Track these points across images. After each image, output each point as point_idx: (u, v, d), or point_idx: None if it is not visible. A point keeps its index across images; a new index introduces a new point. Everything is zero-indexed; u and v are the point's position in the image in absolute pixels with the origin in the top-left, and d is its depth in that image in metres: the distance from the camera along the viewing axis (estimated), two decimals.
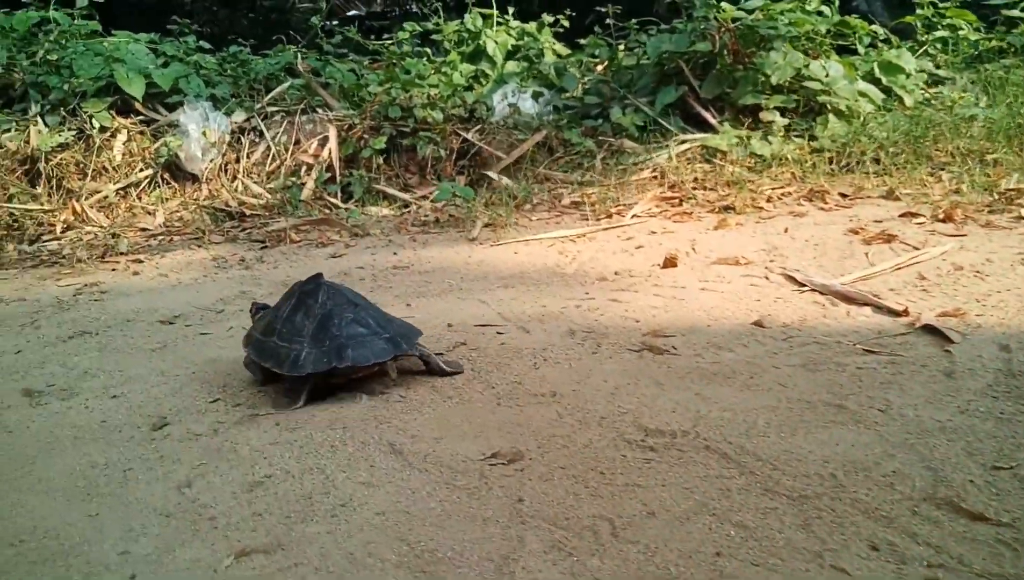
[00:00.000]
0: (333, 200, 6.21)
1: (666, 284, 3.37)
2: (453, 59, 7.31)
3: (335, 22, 12.84)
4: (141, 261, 4.80)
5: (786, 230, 3.88)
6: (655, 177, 5.20)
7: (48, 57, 7.06)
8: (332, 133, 6.49)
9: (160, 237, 5.72)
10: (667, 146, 5.63)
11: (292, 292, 2.73)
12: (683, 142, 5.63)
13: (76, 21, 7.46)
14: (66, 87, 6.92)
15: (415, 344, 2.61)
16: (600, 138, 5.96)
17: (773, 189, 4.55)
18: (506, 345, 2.78)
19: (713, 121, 5.82)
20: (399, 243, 4.56)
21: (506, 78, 7.14)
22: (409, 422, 2.26)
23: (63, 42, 7.22)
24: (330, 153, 6.59)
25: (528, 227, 4.51)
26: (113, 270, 4.55)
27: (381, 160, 6.44)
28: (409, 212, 5.50)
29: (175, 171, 6.96)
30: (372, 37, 8.35)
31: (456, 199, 5.09)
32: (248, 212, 6.10)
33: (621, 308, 3.09)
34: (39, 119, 6.93)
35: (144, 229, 6.11)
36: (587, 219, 4.59)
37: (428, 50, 7.66)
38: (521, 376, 2.51)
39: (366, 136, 6.48)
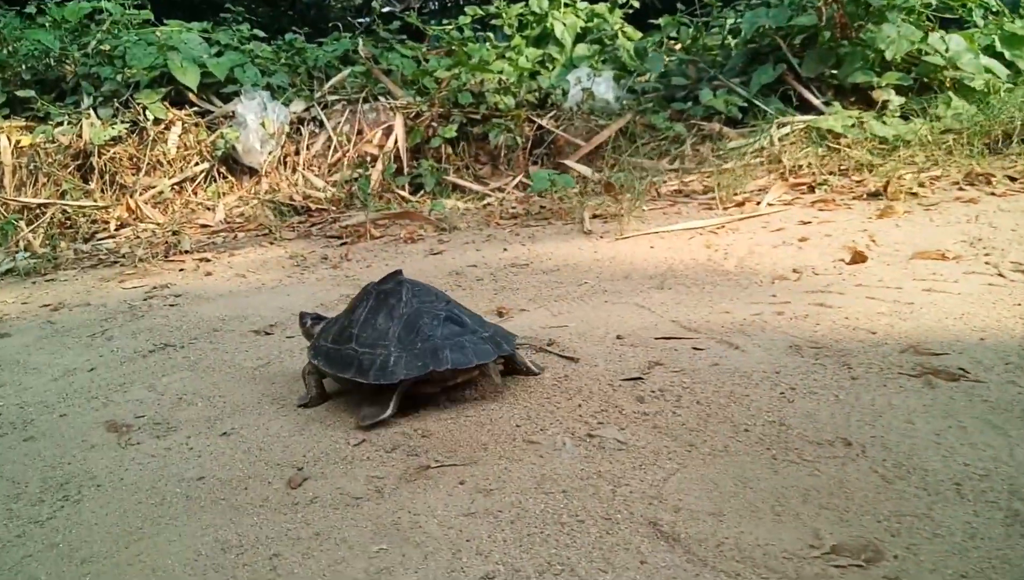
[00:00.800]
0: (402, 192, 5.41)
1: (871, 283, 2.58)
2: (518, 43, 6.50)
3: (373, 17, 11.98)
4: (209, 260, 4.04)
5: (976, 218, 3.06)
6: (761, 162, 4.37)
7: (100, 47, 6.25)
8: (398, 122, 5.69)
9: (223, 234, 4.95)
10: (766, 129, 4.79)
11: (367, 293, 2.19)
12: (784, 125, 4.78)
13: (128, 10, 6.63)
14: (119, 78, 6.15)
15: (514, 342, 2.12)
16: (691, 122, 5.12)
17: (918, 173, 3.73)
18: (720, 366, 2.00)
19: (816, 101, 5.01)
20: (500, 238, 3.81)
21: (576, 62, 6.33)
22: (656, 484, 1.48)
23: (115, 32, 6.42)
24: (396, 143, 5.78)
25: (644, 218, 3.70)
26: (181, 270, 3.80)
27: (450, 150, 5.60)
28: (491, 204, 4.68)
29: (232, 164, 6.18)
30: (428, 24, 7.51)
31: (541, 189, 4.24)
32: (314, 206, 5.29)
33: (837, 315, 2.31)
34: (92, 112, 6.15)
35: (204, 225, 5.32)
36: (710, 208, 3.77)
37: (490, 35, 6.83)
38: (775, 413, 1.72)
39: (434, 124, 5.70)
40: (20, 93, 6.28)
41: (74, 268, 4.48)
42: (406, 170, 5.74)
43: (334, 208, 5.39)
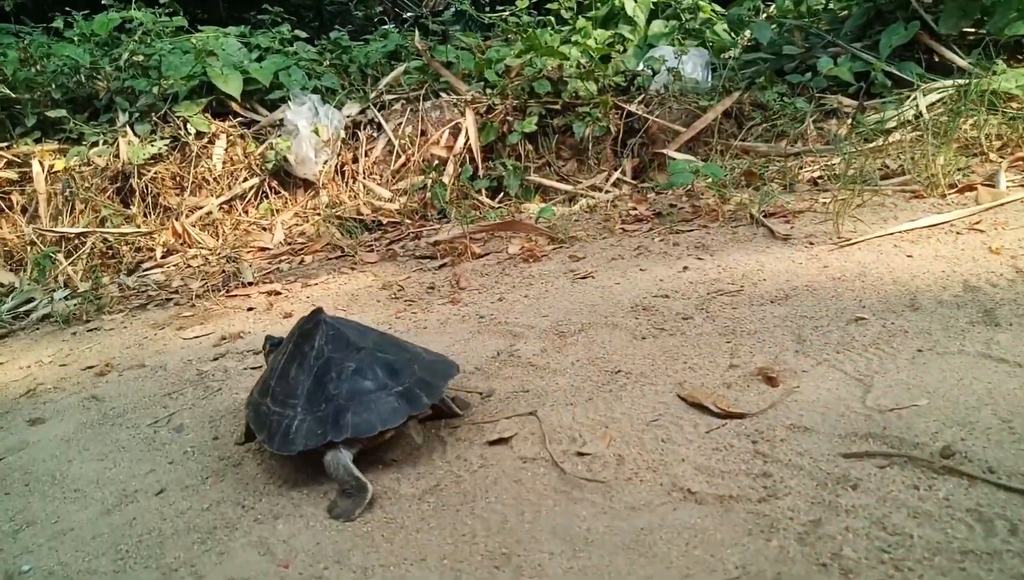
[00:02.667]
0: (480, 197, 4.50)
1: None
2: (583, 25, 5.56)
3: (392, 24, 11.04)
4: (280, 293, 3.18)
5: None
6: (920, 136, 3.44)
7: (134, 58, 5.41)
8: (469, 118, 4.79)
9: (285, 257, 4.06)
10: (909, 98, 3.84)
11: (292, 333, 1.88)
12: (931, 92, 3.83)
13: (160, 18, 5.78)
14: (155, 90, 5.32)
15: (442, 391, 1.76)
16: (818, 97, 4.19)
17: None
18: None
19: (963, 62, 4.03)
20: (652, 249, 2.88)
21: (652, 41, 5.37)
22: None
23: (148, 42, 5.57)
24: (467, 142, 4.87)
25: (820, 213, 2.79)
26: (250, 310, 2.91)
27: (530, 146, 4.69)
28: (597, 205, 3.78)
29: (284, 177, 5.32)
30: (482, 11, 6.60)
31: (682, 184, 3.31)
32: (385, 220, 4.40)
33: None
34: (128, 129, 5.29)
35: (263, 249, 4.46)
36: (918, 195, 2.84)
37: (551, 18, 5.91)
38: None
39: (509, 118, 4.75)
40: (51, 114, 5.48)
41: (120, 309, 3.64)
42: (481, 172, 4.85)
43: (409, 221, 4.52)
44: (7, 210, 5.42)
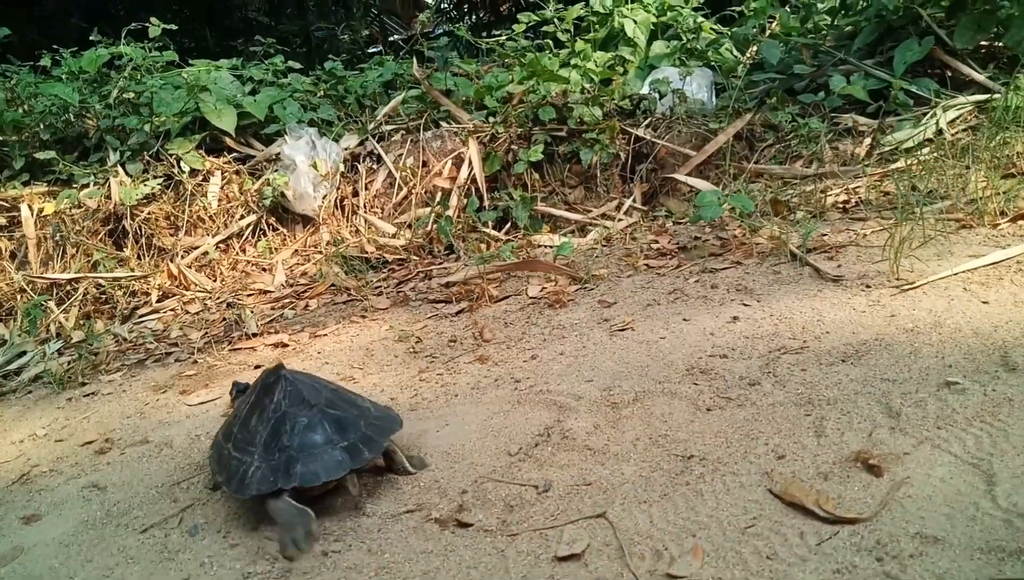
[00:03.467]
0: (488, 230, 4.23)
1: None
2: (583, 48, 5.31)
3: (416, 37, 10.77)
4: (287, 345, 2.90)
5: None
6: (946, 156, 3.22)
7: (124, 96, 5.11)
8: (473, 148, 4.53)
9: (288, 300, 3.78)
10: (928, 116, 3.62)
11: (257, 383, 2.01)
12: (950, 108, 3.61)
13: (150, 53, 5.49)
14: (147, 128, 5.04)
15: (382, 446, 1.87)
16: (832, 116, 3.96)
17: None
18: None
19: (979, 77, 3.81)
20: (689, 293, 2.61)
21: (654, 62, 5.14)
22: None
23: (138, 78, 5.28)
24: (471, 173, 4.60)
25: (864, 246, 2.54)
26: (257, 368, 2.61)
27: (536, 175, 4.44)
28: (615, 236, 3.53)
29: (282, 213, 5.05)
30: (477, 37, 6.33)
31: (713, 217, 3.05)
32: (390, 257, 4.12)
33: None
34: (120, 168, 4.99)
35: (264, 291, 4.16)
36: (966, 225, 2.60)
37: (548, 41, 5.66)
38: None
39: (514, 147, 4.50)
40: (40, 156, 5.17)
41: (118, 367, 3.35)
42: (487, 203, 4.59)
43: (415, 257, 4.24)
44: None
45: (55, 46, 5.82)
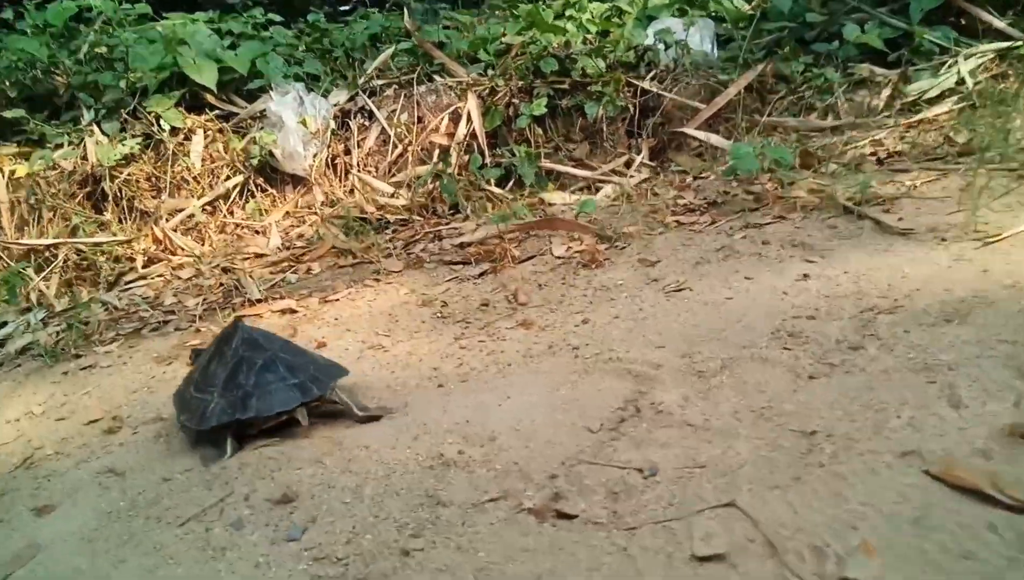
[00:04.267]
0: (492, 188, 3.94)
1: None
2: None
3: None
4: (296, 311, 2.61)
5: None
6: (973, 105, 3.02)
7: (96, 50, 4.66)
8: (471, 102, 4.22)
9: (287, 264, 3.46)
10: (945, 64, 3.41)
11: (215, 339, 2.21)
12: (971, 56, 3.40)
13: (121, 5, 5.02)
14: (122, 84, 4.60)
15: (329, 386, 2.02)
16: (847, 67, 3.73)
17: None
18: None
19: (999, 24, 3.60)
20: (745, 250, 2.37)
21: (653, 13, 4.84)
22: None
23: (110, 32, 4.81)
24: (470, 129, 4.28)
25: (919, 198, 2.32)
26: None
27: (539, 130, 4.15)
28: (629, 193, 3.28)
29: (270, 174, 4.68)
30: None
31: (750, 170, 2.80)
32: (392, 217, 3.81)
33: None
34: (95, 128, 4.56)
35: (259, 255, 3.82)
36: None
37: None
38: None
39: (515, 101, 4.18)
40: (8, 114, 4.72)
41: (112, 337, 3.01)
42: (488, 160, 4.29)
43: (418, 217, 3.94)
44: None
45: None
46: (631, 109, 4.30)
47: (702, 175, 3.44)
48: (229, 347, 2.05)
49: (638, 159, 3.98)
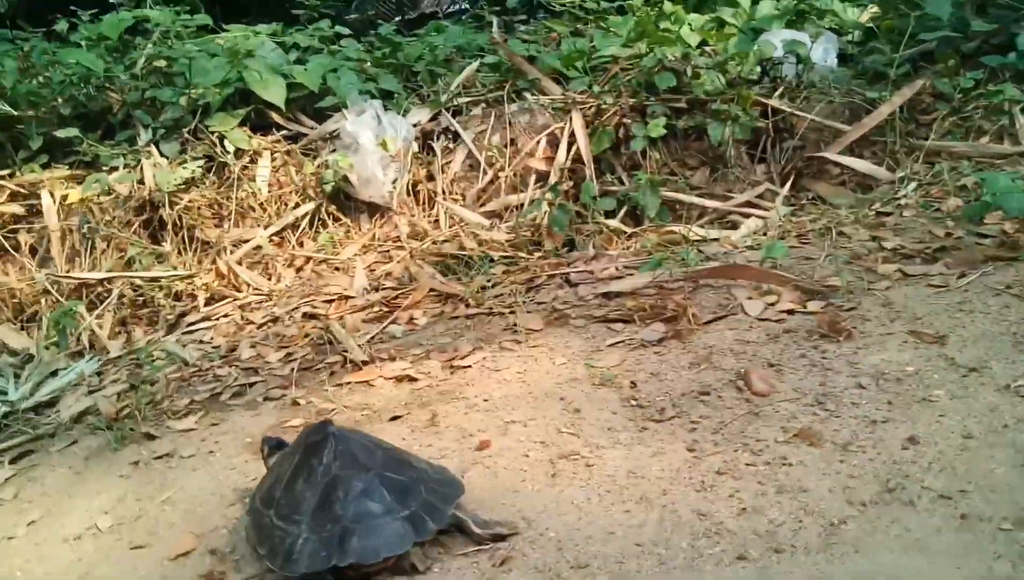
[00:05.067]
0: (610, 222, 3.30)
1: None
2: (673, 10, 4.35)
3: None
4: (416, 379, 1.94)
5: None
6: None
7: (154, 64, 4.08)
8: (577, 122, 3.60)
9: (379, 311, 2.85)
10: None
11: (299, 442, 1.69)
12: None
13: (180, 16, 4.46)
14: (182, 101, 4.01)
15: (447, 515, 1.55)
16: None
17: None
18: None
19: None
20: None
21: (760, 24, 4.19)
22: None
23: (169, 44, 4.24)
24: (573, 152, 3.65)
25: None
26: (394, 420, 1.67)
27: (656, 154, 3.50)
28: (780, 226, 2.63)
29: (343, 202, 4.03)
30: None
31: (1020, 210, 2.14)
32: (496, 255, 3.17)
33: None
34: (152, 149, 3.96)
35: (344, 297, 3.18)
36: None
37: (632, 2, 4.68)
38: None
39: (625, 120, 3.53)
40: (60, 133, 4.15)
41: (188, 406, 2.39)
42: (596, 189, 3.65)
43: (525, 255, 3.30)
44: (13, 253, 4.11)
45: (73, 7, 4.75)
46: (759, 131, 3.65)
47: (871, 208, 2.77)
48: (318, 460, 1.58)
49: (782, 191, 3.32)
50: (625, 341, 2.17)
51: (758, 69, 3.83)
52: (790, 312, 2.12)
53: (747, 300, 2.24)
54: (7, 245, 4.11)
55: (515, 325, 2.44)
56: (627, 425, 1.76)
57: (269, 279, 3.96)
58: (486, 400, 2.01)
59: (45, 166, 4.32)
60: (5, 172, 4.27)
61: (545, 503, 1.50)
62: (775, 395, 1.73)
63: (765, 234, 2.98)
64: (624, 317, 2.33)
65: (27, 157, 4.34)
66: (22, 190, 4.22)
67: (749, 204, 3.42)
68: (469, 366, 2.26)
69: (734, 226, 3.29)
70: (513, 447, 1.75)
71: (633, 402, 1.84)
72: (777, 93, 3.78)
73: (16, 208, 4.19)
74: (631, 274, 2.60)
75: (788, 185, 3.40)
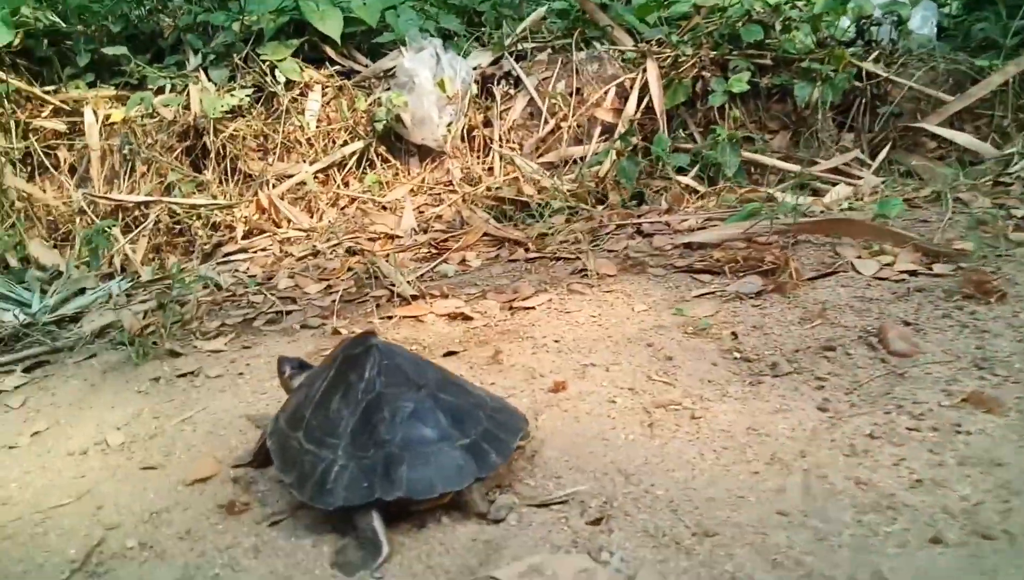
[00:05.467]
0: (683, 179, 2.96)
1: None
2: None
3: None
4: (470, 318, 1.62)
5: None
6: None
7: None
8: (652, 72, 3.25)
9: (428, 251, 2.53)
10: None
11: (334, 358, 1.37)
12: None
13: None
14: (235, 27, 3.68)
15: (512, 449, 1.25)
16: None
17: None
18: None
19: None
20: None
21: None
22: None
23: None
24: (643, 104, 3.30)
25: None
26: (449, 356, 1.36)
27: (736, 112, 3.15)
28: (862, 195, 2.29)
29: (393, 143, 3.71)
30: None
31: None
32: (556, 204, 2.86)
33: None
34: (201, 74, 3.68)
35: (390, 236, 2.89)
36: None
37: None
38: None
39: (704, 74, 3.17)
40: (108, 51, 3.90)
41: (218, 328, 2.11)
42: (667, 144, 3.30)
43: (586, 207, 2.98)
44: (52, 169, 3.88)
45: None
46: (849, 97, 3.28)
47: (982, 181, 2.40)
48: (359, 375, 1.27)
49: (874, 162, 2.96)
50: (716, 292, 1.86)
51: (853, 29, 3.44)
52: (912, 273, 1.79)
53: (856, 258, 1.91)
54: (46, 162, 3.90)
55: (584, 269, 2.12)
56: (731, 378, 1.45)
57: (311, 217, 3.70)
58: (556, 341, 1.71)
59: (91, 85, 4.09)
60: (50, 88, 4.05)
61: (646, 456, 1.20)
62: (919, 356, 1.41)
63: (861, 200, 2.63)
64: (711, 268, 2.01)
65: (73, 74, 4.12)
66: (65, 107, 4.00)
67: (837, 172, 3.06)
68: (533, 307, 1.96)
69: (816, 194, 2.94)
70: (595, 391, 1.45)
71: (737, 354, 1.53)
72: (872, 57, 3.40)
73: (58, 124, 3.97)
74: (715, 226, 2.27)
75: (883, 155, 3.03)
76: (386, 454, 1.17)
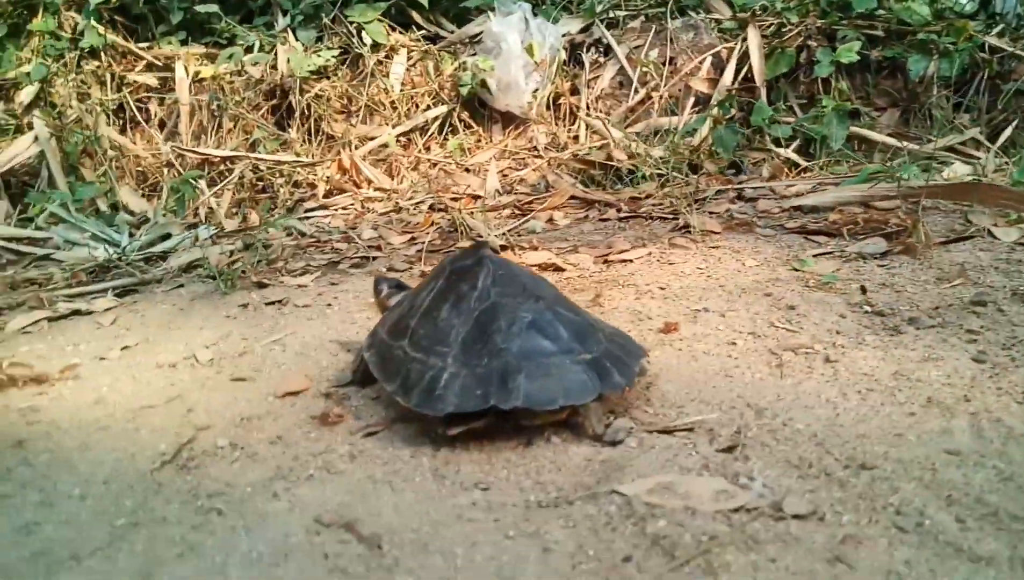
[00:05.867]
0: (784, 151, 2.78)
1: None
2: None
3: None
4: (563, 269, 1.50)
5: None
6: None
7: None
8: (753, 39, 3.08)
9: (510, 210, 2.42)
10: None
11: (441, 269, 1.29)
12: None
13: None
14: None
15: (633, 371, 1.13)
16: None
17: None
18: None
19: None
20: None
21: None
22: None
23: None
24: (742, 74, 3.13)
25: None
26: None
27: (844, 84, 2.95)
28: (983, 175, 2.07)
29: (477, 108, 3.63)
30: None
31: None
32: (648, 172, 2.72)
33: None
34: (289, 34, 3.67)
35: (474, 197, 2.80)
36: None
37: None
38: None
39: (810, 43, 2.99)
40: (200, 8, 3.92)
41: (303, 268, 2.06)
42: (768, 114, 3.13)
43: (679, 175, 2.84)
44: (143, 123, 3.94)
45: None
46: (966, 74, 3.06)
47: None
48: (471, 285, 1.17)
49: (994, 145, 2.73)
50: (834, 252, 1.71)
51: (976, 0, 3.21)
52: None
53: (993, 226, 1.74)
54: (138, 115, 3.96)
55: (687, 225, 2.00)
56: (862, 331, 1.31)
57: (392, 180, 3.66)
58: (662, 288, 1.59)
59: (183, 43, 4.15)
60: (144, 44, 4.12)
61: (778, 393, 1.08)
62: None
63: (983, 177, 2.42)
64: (827, 230, 1.86)
65: (166, 31, 4.17)
66: (157, 62, 4.06)
67: (952, 151, 2.85)
68: (631, 260, 1.84)
69: (926, 170, 2.73)
70: (711, 334, 1.33)
71: (868, 307, 1.39)
72: (996, 30, 3.16)
73: (150, 79, 4.03)
74: (826, 190, 2.12)
75: (1007, 133, 2.81)
76: (503, 363, 1.07)
